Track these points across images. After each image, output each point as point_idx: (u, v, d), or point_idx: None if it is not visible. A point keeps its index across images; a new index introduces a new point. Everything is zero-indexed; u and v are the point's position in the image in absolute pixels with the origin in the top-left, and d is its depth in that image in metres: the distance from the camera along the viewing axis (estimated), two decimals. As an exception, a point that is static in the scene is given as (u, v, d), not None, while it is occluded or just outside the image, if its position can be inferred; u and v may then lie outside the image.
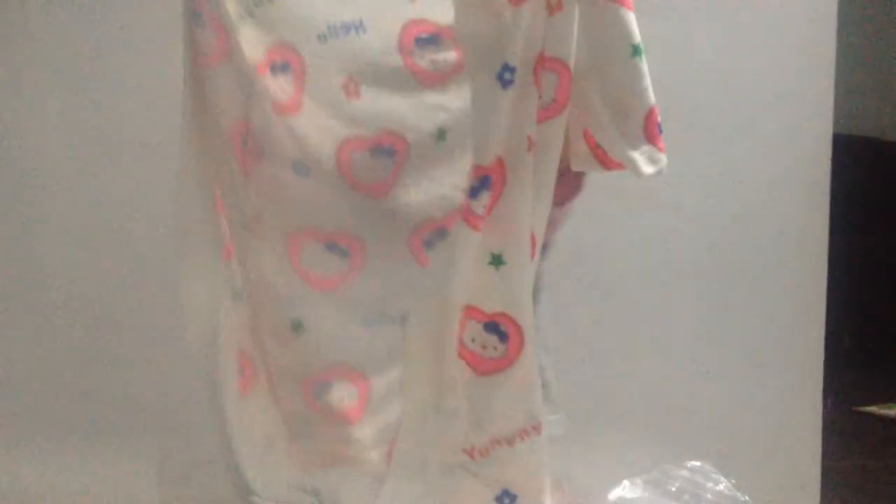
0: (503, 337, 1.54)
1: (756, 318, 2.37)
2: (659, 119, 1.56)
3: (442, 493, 1.55)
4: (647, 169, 1.56)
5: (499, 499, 1.55)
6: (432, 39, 1.45)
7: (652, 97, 1.55)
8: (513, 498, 1.55)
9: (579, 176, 1.64)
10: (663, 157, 1.57)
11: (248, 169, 1.52)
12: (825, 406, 2.46)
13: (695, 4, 2.30)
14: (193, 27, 1.52)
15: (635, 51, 1.54)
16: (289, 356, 1.53)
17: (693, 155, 2.31)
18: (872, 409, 3.54)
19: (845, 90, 2.65)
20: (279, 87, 1.45)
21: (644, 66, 1.54)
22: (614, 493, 1.86)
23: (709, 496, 1.84)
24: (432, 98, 1.46)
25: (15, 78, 2.16)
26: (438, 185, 1.48)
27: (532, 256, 1.54)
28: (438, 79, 1.46)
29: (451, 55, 1.46)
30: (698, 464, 1.89)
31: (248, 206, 1.52)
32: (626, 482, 1.87)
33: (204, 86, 1.54)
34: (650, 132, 1.56)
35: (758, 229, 2.37)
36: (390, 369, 1.54)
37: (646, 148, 1.56)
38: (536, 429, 1.54)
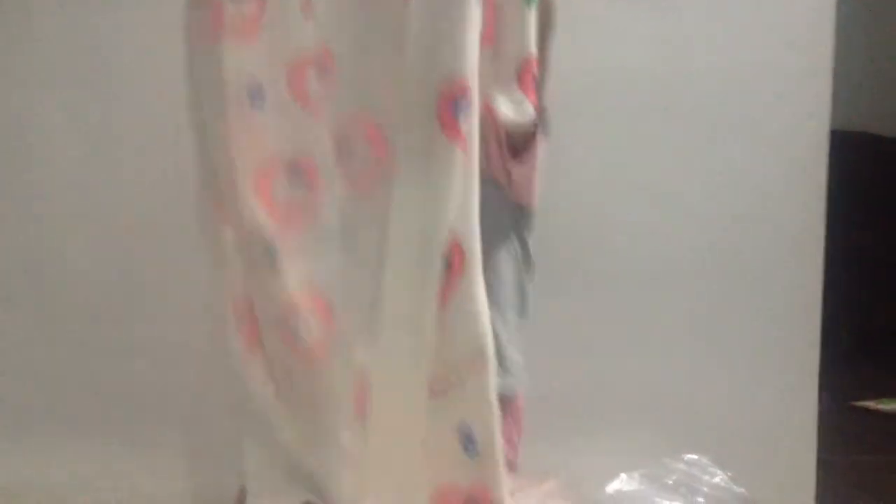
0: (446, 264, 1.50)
1: (753, 314, 2.38)
2: (535, 72, 1.55)
3: (414, 433, 1.54)
4: (510, 114, 1.56)
5: (460, 429, 1.54)
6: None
7: (532, 48, 1.54)
8: (469, 427, 1.53)
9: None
10: (529, 108, 1.56)
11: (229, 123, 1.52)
12: (822, 401, 2.47)
13: (692, 2, 2.30)
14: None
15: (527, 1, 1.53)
16: (268, 292, 1.53)
17: (690, 152, 2.32)
18: (869, 403, 3.55)
19: (843, 85, 2.65)
20: (238, 12, 1.47)
21: (531, 16, 1.53)
22: (611, 487, 1.86)
23: (705, 489, 1.85)
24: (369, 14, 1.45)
25: (19, 74, 2.17)
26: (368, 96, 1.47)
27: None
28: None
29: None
30: (695, 457, 1.90)
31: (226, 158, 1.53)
32: (623, 475, 1.88)
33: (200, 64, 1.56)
34: (523, 80, 1.55)
35: (755, 226, 2.38)
36: (357, 306, 1.53)
37: (517, 95, 1.56)
38: (485, 367, 1.52)
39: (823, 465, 2.43)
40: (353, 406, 1.55)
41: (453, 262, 1.47)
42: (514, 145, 1.59)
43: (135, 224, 2.21)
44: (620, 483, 1.87)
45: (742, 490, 1.83)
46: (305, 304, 1.54)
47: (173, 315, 2.16)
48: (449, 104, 1.40)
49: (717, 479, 1.86)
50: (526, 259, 1.71)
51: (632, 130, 2.26)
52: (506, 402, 1.60)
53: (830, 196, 2.44)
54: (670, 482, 1.87)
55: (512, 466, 1.66)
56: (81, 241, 2.22)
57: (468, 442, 1.52)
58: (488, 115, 1.56)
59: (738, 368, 2.37)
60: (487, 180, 1.54)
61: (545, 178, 1.68)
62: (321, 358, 1.55)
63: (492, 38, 1.53)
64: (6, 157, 2.20)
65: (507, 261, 1.68)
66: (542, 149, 1.66)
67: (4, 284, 2.24)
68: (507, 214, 1.64)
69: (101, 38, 2.16)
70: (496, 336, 1.57)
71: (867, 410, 3.51)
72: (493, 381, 1.53)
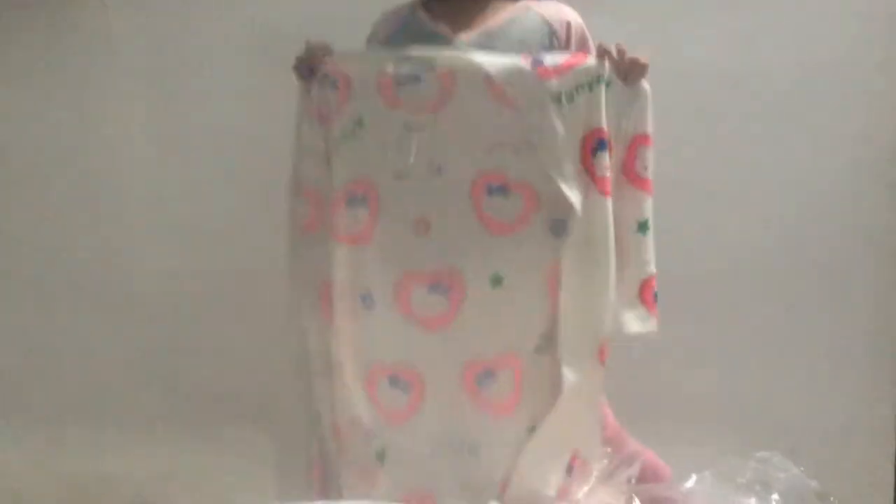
0: None
1: (829, 314, 2.33)
2: (656, 288, 1.68)
3: None
4: (634, 328, 1.69)
5: None
6: (502, 189, 1.62)
7: (652, 268, 1.69)
8: None
9: None
10: (653, 322, 1.70)
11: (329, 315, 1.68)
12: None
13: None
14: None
15: (641, 227, 1.67)
16: (373, 486, 1.66)
17: (764, 151, 2.28)
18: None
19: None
20: (354, 218, 1.63)
21: (648, 239, 1.68)
22: (684, 488, 1.83)
23: (780, 485, 1.81)
24: (494, 245, 1.62)
25: (98, 83, 2.20)
26: (489, 329, 1.63)
27: None
28: (503, 229, 1.63)
29: (518, 207, 1.63)
30: (767, 454, 1.86)
31: (333, 350, 1.67)
32: (694, 476, 1.85)
33: (301, 249, 1.71)
34: (644, 297, 1.68)
35: (829, 225, 2.33)
36: (459, 498, 1.65)
37: (640, 310, 1.69)
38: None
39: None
40: None
41: None
42: None
43: (216, 228, 2.23)
44: (692, 483, 1.83)
45: (815, 483, 1.78)
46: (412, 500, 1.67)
47: (255, 316, 2.18)
48: None
49: (790, 474, 1.82)
50: None
51: (704, 129, 2.23)
52: None
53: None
54: (743, 480, 1.83)
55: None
56: (160, 242, 2.25)
57: None
58: None
59: (815, 368, 2.33)
60: None
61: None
62: None
63: None
64: (84, 158, 2.23)
65: None
66: None
67: (87, 285, 2.27)
68: None
69: (178, 41, 2.19)
70: None
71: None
72: None
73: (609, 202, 1.64)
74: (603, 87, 1.64)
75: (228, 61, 2.19)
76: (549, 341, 1.66)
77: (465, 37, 1.71)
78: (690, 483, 1.83)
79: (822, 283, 2.33)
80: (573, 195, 1.62)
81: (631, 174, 1.67)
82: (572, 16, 1.79)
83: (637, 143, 1.67)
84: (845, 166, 2.33)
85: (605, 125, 1.65)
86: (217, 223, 2.22)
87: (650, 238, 1.69)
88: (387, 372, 1.65)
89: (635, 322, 1.68)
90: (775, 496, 1.77)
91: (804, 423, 2.26)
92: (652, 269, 1.70)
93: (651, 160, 1.68)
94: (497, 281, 1.63)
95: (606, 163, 1.64)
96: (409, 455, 1.65)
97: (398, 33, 1.75)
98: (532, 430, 1.65)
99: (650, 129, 1.68)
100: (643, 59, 1.65)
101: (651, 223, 1.69)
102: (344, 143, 1.66)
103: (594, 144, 1.64)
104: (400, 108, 1.64)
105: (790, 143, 2.30)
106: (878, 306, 2.37)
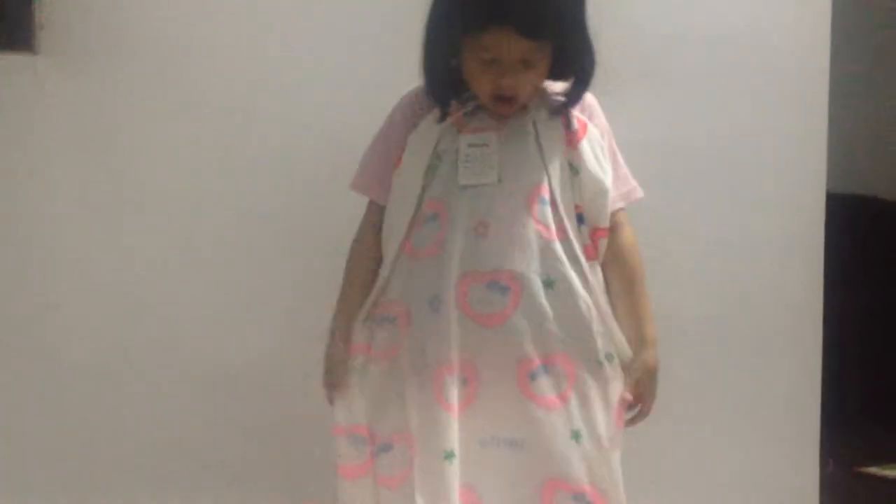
0: None
1: (752, 380, 2.36)
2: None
3: None
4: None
5: None
6: (551, 200, 1.75)
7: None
8: None
9: None
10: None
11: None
12: (826, 466, 2.44)
13: (683, 73, 2.32)
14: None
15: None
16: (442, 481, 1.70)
17: (686, 218, 2.31)
18: (874, 469, 3.51)
19: (838, 149, 2.66)
20: (427, 233, 1.75)
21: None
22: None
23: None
24: (547, 248, 1.72)
25: (25, 141, 2.15)
26: (540, 326, 1.70)
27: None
28: (552, 235, 1.73)
29: (561, 218, 1.75)
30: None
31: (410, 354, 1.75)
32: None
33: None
34: None
35: (752, 290, 2.36)
36: (500, 490, 1.71)
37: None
38: None
39: (829, 532, 2.40)
40: None
41: None
42: None
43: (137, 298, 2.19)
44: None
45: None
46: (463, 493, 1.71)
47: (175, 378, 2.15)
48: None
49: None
50: None
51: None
52: None
53: (828, 258, 2.43)
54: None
55: None
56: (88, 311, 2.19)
57: None
58: None
59: (738, 436, 2.34)
60: None
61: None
62: None
63: None
64: (7, 222, 2.16)
65: None
66: None
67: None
68: None
69: (109, 105, 2.16)
70: None
71: (872, 476, 3.46)
72: None
73: None
74: None
75: (164, 122, 2.16)
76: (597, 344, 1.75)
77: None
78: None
79: (746, 349, 2.36)
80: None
81: None
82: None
83: None
84: (769, 232, 2.37)
85: None
86: (150, 288, 2.19)
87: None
88: (451, 370, 1.70)
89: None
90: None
91: (728, 487, 2.28)
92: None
93: None
94: (549, 283, 1.72)
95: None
96: (461, 447, 1.70)
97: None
98: (578, 431, 1.72)
99: None
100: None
101: None
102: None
103: None
104: (466, 132, 1.79)
105: (714, 210, 2.34)
106: (800, 372, 2.41)
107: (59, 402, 2.14)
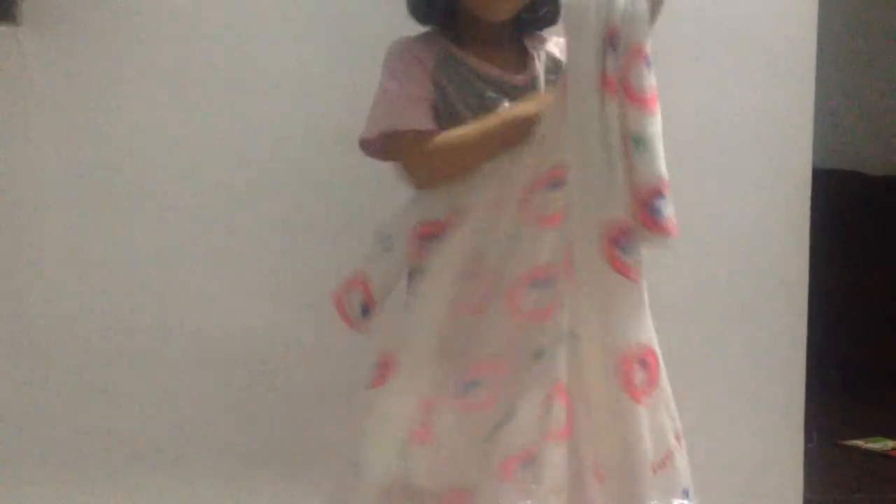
0: None
1: (736, 354, 2.36)
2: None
3: None
4: None
5: None
6: None
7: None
8: None
9: None
10: None
11: None
12: (810, 440, 2.45)
13: (671, 47, 2.31)
14: None
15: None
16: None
17: (672, 193, 2.30)
18: (858, 442, 3.54)
19: (825, 124, 2.66)
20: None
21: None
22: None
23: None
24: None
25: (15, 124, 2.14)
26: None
27: None
28: None
29: None
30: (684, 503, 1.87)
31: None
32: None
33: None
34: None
35: (738, 265, 2.36)
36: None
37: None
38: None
39: (811, 505, 2.42)
40: None
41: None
42: None
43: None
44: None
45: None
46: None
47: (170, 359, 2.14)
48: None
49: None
50: None
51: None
52: None
53: (814, 234, 2.43)
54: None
55: None
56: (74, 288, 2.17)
57: None
58: None
59: (722, 409, 2.34)
60: None
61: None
62: None
63: None
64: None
65: None
66: None
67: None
68: None
69: (93, 76, 2.14)
70: None
71: (855, 449, 3.49)
72: None
73: None
74: None
75: (148, 93, 2.15)
76: None
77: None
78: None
79: (730, 324, 2.36)
80: None
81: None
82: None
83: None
84: (754, 207, 2.37)
85: None
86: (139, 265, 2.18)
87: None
88: (539, 274, 1.70)
89: None
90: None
91: (712, 466, 2.29)
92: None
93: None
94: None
95: None
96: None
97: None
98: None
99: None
100: None
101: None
102: None
103: None
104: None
105: (699, 186, 2.34)
106: (785, 347, 2.42)
107: (50, 386, 2.13)
